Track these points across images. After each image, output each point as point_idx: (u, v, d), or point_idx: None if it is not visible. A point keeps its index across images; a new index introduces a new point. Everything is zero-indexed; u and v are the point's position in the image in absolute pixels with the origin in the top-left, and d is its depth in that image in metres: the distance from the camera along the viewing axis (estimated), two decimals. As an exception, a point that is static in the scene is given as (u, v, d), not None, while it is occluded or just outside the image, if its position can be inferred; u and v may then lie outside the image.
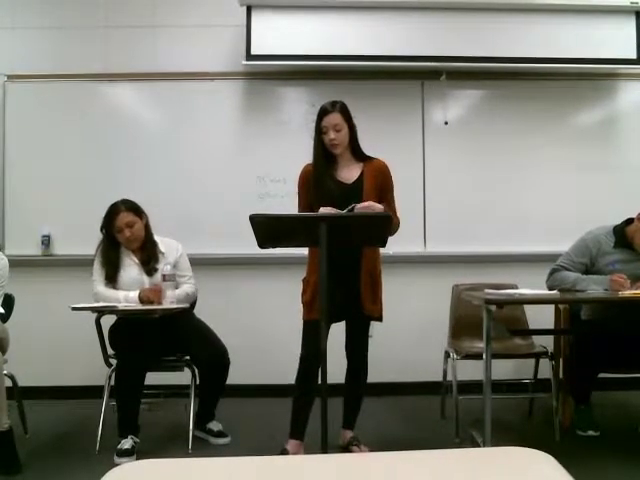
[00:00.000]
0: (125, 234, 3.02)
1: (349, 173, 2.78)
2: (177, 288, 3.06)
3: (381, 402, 3.61)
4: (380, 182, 2.77)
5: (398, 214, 2.78)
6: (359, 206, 2.54)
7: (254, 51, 3.70)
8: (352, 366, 2.89)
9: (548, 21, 3.74)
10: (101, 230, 3.06)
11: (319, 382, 2.66)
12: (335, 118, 2.69)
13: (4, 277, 2.90)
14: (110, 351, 3.05)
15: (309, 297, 2.74)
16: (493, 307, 2.56)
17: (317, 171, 2.75)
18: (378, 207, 2.56)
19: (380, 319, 2.82)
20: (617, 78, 4.01)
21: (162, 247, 3.13)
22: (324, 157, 2.75)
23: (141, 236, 3.07)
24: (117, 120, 3.92)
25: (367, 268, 2.74)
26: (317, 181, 2.73)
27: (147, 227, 3.11)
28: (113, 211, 3.02)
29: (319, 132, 2.73)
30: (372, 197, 2.72)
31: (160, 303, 2.95)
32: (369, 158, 2.81)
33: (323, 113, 2.71)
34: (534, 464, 1.22)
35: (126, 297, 2.97)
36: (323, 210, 2.55)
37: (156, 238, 3.14)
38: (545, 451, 1.24)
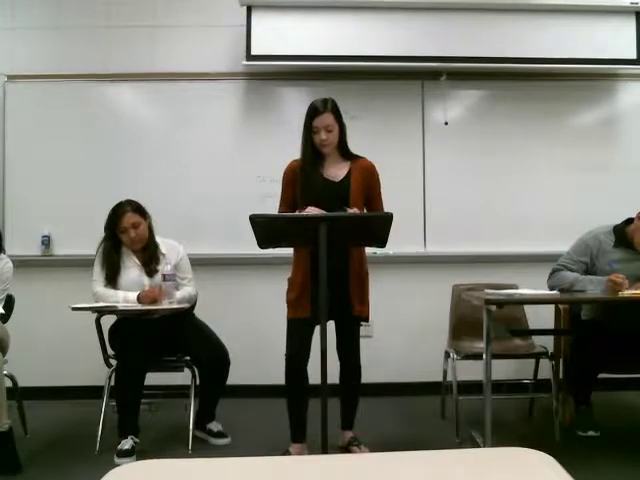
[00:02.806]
0: (130, 234, 3.01)
1: (336, 171, 2.77)
2: (177, 289, 3.05)
3: (381, 402, 3.61)
4: (367, 181, 2.77)
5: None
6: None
7: (254, 51, 3.70)
8: (345, 367, 2.87)
9: (548, 21, 3.74)
10: (105, 230, 3.06)
11: (308, 381, 2.69)
12: (327, 119, 2.68)
13: (8, 280, 2.94)
14: (110, 351, 3.05)
15: (294, 296, 2.74)
16: (493, 307, 2.56)
17: (305, 169, 2.75)
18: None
19: (367, 319, 2.81)
20: (617, 78, 4.01)
21: (163, 248, 3.13)
22: (313, 155, 2.75)
23: (145, 237, 3.07)
24: (117, 120, 3.92)
25: (355, 268, 2.75)
26: (305, 179, 2.73)
27: (150, 228, 3.11)
28: (119, 211, 3.02)
29: (309, 131, 2.72)
30: (359, 195, 2.73)
31: (159, 304, 2.95)
32: (356, 157, 2.81)
33: (314, 113, 2.69)
34: (534, 464, 1.22)
35: (125, 297, 2.97)
36: (310, 209, 2.55)
37: (157, 239, 3.14)
38: (545, 451, 1.24)
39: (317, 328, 2.64)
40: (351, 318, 2.77)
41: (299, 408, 2.74)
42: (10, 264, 2.95)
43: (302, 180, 2.73)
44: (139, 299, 2.95)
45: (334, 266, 2.62)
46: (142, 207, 3.08)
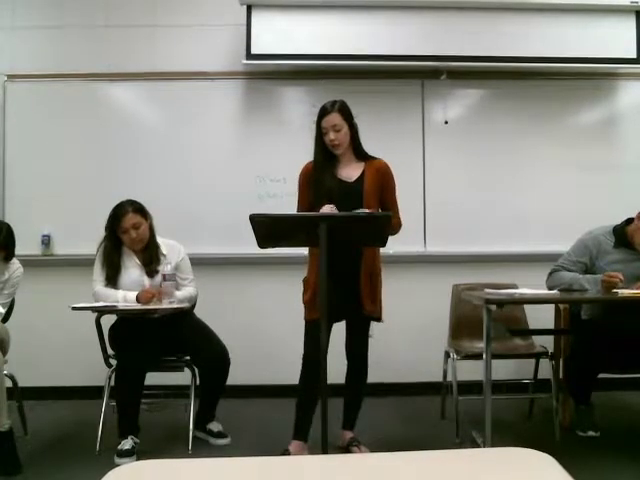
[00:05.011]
0: (131, 235, 3.01)
1: (350, 172, 2.78)
2: (177, 289, 3.05)
3: (381, 402, 3.61)
4: (381, 182, 2.77)
5: (400, 215, 2.78)
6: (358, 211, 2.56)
7: (254, 50, 3.70)
8: (352, 366, 2.88)
9: (548, 21, 3.74)
10: (106, 230, 3.06)
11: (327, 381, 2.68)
12: (334, 118, 2.70)
13: (16, 285, 2.98)
14: (110, 351, 3.05)
15: (309, 297, 2.74)
16: (493, 307, 2.56)
17: (317, 170, 2.76)
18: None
19: (380, 319, 2.82)
20: (617, 78, 4.00)
21: (164, 249, 3.12)
22: (325, 156, 2.76)
23: (146, 237, 3.07)
24: (117, 120, 3.92)
25: (367, 268, 2.75)
26: (317, 180, 2.74)
27: (151, 228, 3.11)
28: (120, 212, 3.01)
29: (320, 132, 2.74)
30: (373, 196, 2.73)
31: (159, 303, 2.95)
32: (371, 157, 2.82)
33: (322, 113, 2.73)
34: (534, 464, 1.22)
35: (125, 297, 2.97)
36: (325, 208, 2.55)
37: (158, 239, 3.14)
38: (545, 451, 1.24)
39: (333, 327, 2.66)
40: (362, 318, 2.77)
41: (310, 409, 2.71)
42: (21, 270, 2.98)
43: (315, 181, 2.74)
44: (138, 298, 2.95)
45: (346, 265, 2.64)
46: (143, 207, 3.08)
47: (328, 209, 2.57)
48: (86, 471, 2.59)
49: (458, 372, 3.12)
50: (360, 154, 2.81)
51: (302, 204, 2.81)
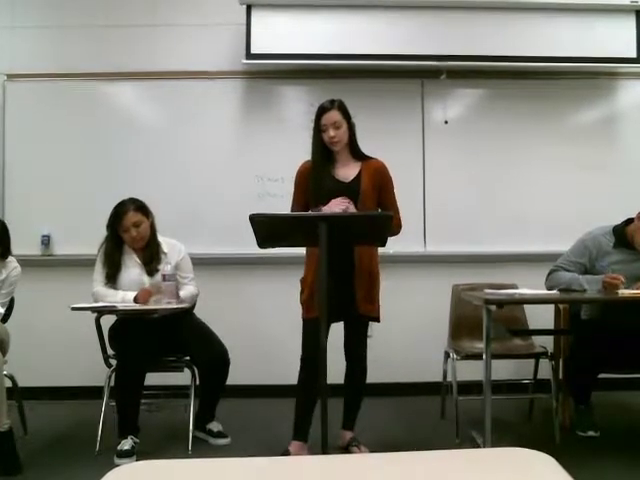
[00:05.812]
0: (132, 233, 3.01)
1: (347, 172, 2.78)
2: (178, 288, 3.04)
3: (381, 403, 3.60)
4: (378, 182, 2.77)
5: (400, 215, 2.78)
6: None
7: (254, 50, 3.70)
8: (351, 366, 2.88)
9: (548, 20, 3.74)
10: (107, 228, 3.05)
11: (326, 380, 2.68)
12: (334, 115, 2.70)
13: (15, 284, 2.98)
14: (110, 351, 3.05)
15: (306, 296, 2.74)
16: (493, 307, 2.56)
17: (315, 169, 2.75)
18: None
19: (377, 319, 2.81)
20: (617, 77, 4.00)
21: (165, 248, 3.12)
22: (323, 155, 2.75)
23: (147, 236, 3.07)
24: (117, 120, 3.92)
25: (363, 268, 2.74)
26: (315, 179, 2.73)
27: (152, 227, 3.11)
28: (121, 210, 3.01)
29: (318, 130, 2.74)
30: (370, 196, 2.73)
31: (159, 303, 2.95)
32: (367, 157, 2.82)
33: (322, 111, 2.72)
34: (534, 465, 1.22)
35: (124, 297, 2.97)
36: (334, 201, 2.56)
37: (159, 238, 3.14)
38: (545, 452, 1.24)
39: (332, 327, 2.64)
40: (359, 318, 2.77)
41: (309, 409, 2.71)
42: (19, 269, 2.98)
43: (313, 181, 2.74)
44: (136, 299, 2.95)
45: (340, 265, 2.63)
46: (145, 206, 3.08)
47: (338, 203, 2.57)
48: (86, 471, 2.59)
49: (458, 372, 3.12)
50: (357, 154, 2.81)
51: (297, 203, 2.80)
